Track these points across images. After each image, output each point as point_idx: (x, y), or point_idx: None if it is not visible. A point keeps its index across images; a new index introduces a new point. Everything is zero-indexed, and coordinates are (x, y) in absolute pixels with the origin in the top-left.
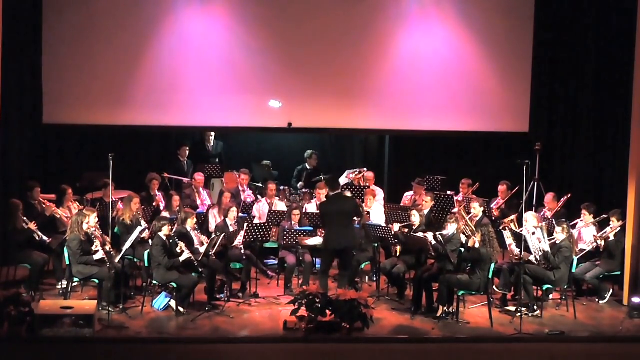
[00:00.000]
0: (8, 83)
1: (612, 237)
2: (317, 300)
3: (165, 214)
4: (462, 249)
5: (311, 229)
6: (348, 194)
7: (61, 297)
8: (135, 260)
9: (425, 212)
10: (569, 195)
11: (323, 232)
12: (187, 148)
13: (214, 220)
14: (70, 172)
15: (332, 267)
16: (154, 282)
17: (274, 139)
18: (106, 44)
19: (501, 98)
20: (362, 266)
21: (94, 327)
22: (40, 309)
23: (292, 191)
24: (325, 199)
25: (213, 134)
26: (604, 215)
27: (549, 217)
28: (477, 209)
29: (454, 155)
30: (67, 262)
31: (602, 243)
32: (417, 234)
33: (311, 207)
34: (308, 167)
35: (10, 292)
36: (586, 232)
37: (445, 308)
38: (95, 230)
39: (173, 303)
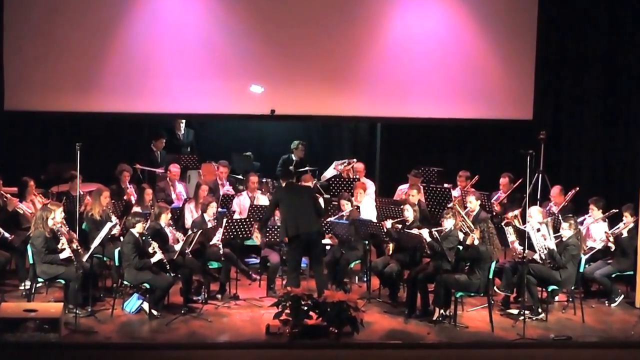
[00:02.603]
0: None
1: (625, 234)
2: (303, 303)
3: (137, 208)
4: (460, 247)
5: None
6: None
7: (24, 299)
8: (105, 259)
9: (415, 202)
10: (577, 189)
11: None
12: (164, 140)
13: (190, 215)
14: (34, 163)
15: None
16: (125, 282)
17: (255, 127)
18: (73, 23)
19: (503, 82)
20: (352, 265)
21: (60, 331)
22: (2, 312)
23: (276, 183)
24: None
25: (184, 121)
26: (613, 210)
27: (555, 212)
28: (473, 203)
29: (451, 145)
30: (31, 261)
31: (612, 240)
32: (411, 231)
33: None
34: (294, 158)
35: None
36: (595, 228)
37: (441, 311)
38: (61, 227)
39: (146, 305)
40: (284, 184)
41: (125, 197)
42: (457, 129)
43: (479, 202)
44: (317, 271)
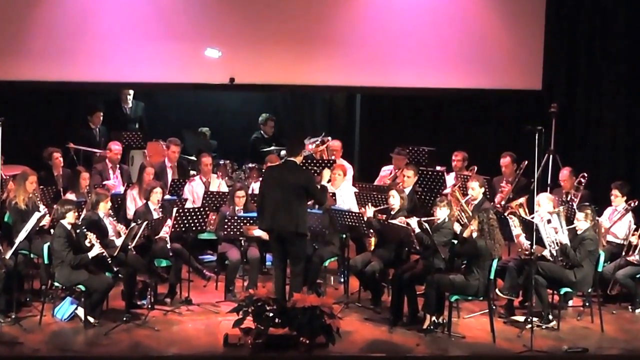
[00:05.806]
0: None
1: None
2: (268, 308)
3: (70, 195)
4: (455, 241)
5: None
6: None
7: None
8: (32, 256)
9: (407, 190)
10: (585, 175)
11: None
12: (101, 114)
13: (133, 204)
14: None
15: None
16: (56, 284)
17: (211, 98)
18: None
19: (506, 45)
20: (326, 264)
21: None
22: None
23: (236, 166)
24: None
25: (131, 92)
26: (634, 202)
27: (569, 199)
28: (476, 190)
29: (444, 121)
30: None
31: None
32: (396, 221)
33: None
34: (265, 136)
35: None
36: (620, 223)
37: (433, 318)
38: None
39: (81, 311)
40: (272, 162)
41: (56, 182)
42: (451, 101)
43: (482, 189)
44: (293, 272)
